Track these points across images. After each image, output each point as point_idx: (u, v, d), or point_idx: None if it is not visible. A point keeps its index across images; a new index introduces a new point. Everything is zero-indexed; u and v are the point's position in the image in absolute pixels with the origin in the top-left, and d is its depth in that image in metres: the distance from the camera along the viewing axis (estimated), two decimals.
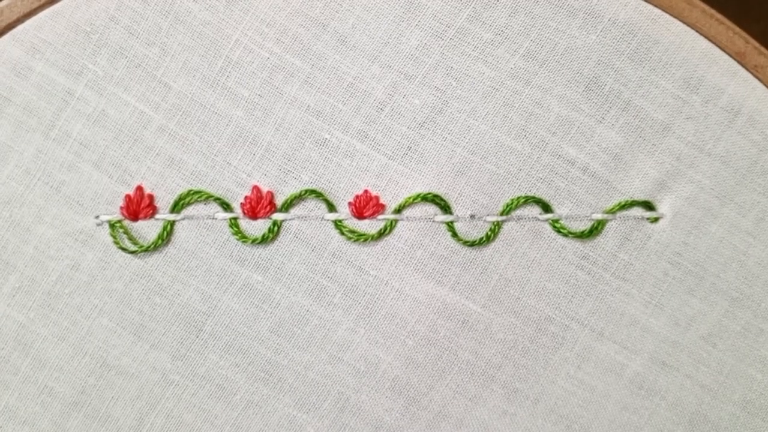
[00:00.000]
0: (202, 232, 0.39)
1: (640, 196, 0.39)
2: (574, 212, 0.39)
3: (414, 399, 0.41)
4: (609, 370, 0.41)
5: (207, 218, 0.39)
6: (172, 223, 0.39)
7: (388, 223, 0.39)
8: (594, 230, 0.39)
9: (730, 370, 0.41)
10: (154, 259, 0.39)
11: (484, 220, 0.39)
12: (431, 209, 0.39)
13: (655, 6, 0.38)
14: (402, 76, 0.38)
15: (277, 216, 0.39)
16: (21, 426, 0.40)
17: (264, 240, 0.39)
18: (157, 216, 0.39)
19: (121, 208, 0.39)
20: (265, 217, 0.39)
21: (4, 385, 0.40)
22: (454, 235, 0.39)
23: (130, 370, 0.40)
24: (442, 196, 0.39)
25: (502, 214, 0.39)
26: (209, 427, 0.41)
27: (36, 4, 0.37)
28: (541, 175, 0.39)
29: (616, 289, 0.40)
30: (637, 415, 0.41)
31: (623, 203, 0.39)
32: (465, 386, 0.41)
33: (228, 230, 0.39)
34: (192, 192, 0.39)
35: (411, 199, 0.39)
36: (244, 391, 0.41)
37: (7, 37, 0.38)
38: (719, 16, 0.38)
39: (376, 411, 0.41)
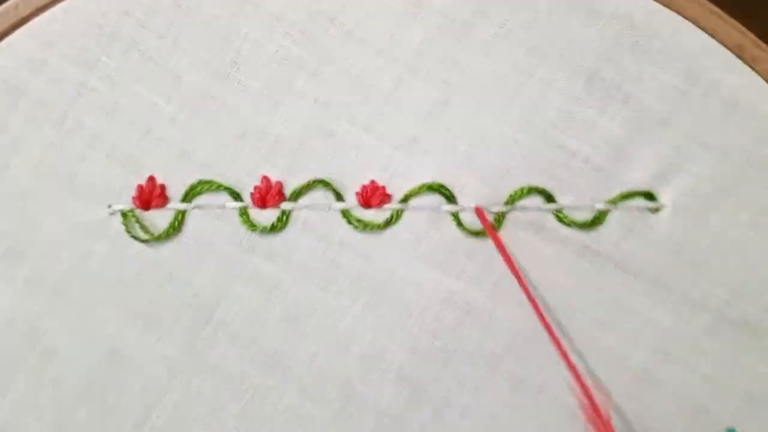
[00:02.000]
0: (212, 222, 0.40)
1: (641, 187, 0.40)
2: (577, 202, 0.40)
3: (419, 388, 0.41)
4: (611, 360, 0.41)
5: (217, 208, 0.40)
6: (183, 213, 0.40)
7: (395, 213, 0.40)
8: (596, 220, 0.40)
9: (733, 361, 0.41)
10: (166, 248, 0.40)
11: (489, 211, 0.40)
12: (437, 199, 0.40)
13: (655, 0, 0.39)
14: (407, 69, 0.39)
15: (286, 205, 0.40)
16: (29, 417, 0.41)
17: (273, 229, 0.40)
18: (169, 205, 0.40)
19: (134, 197, 0.39)
20: (274, 207, 0.40)
21: (13, 376, 0.40)
22: (459, 224, 0.40)
23: (139, 361, 0.41)
24: (447, 186, 0.40)
25: (505, 204, 0.40)
26: (216, 417, 0.41)
27: None
28: (543, 166, 0.40)
29: (618, 279, 0.40)
30: (640, 406, 0.41)
31: (625, 193, 0.40)
32: (469, 375, 0.41)
33: (238, 219, 0.40)
34: (203, 182, 0.39)
35: (417, 189, 0.40)
36: (251, 381, 0.41)
37: (21, 30, 0.38)
38: (717, 10, 0.39)
39: (381, 400, 0.41)
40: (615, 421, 0.41)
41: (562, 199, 0.40)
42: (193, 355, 0.41)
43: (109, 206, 0.40)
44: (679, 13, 0.39)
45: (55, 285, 0.40)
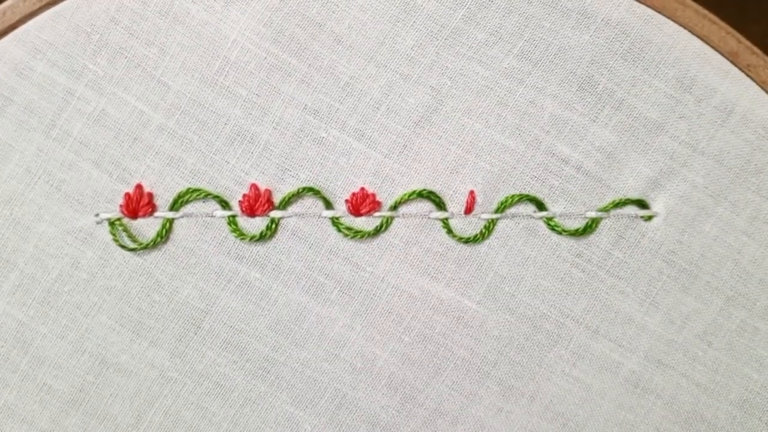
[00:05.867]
0: (200, 230, 0.40)
1: (633, 195, 0.40)
2: (569, 210, 0.40)
3: (410, 396, 0.41)
4: (604, 368, 0.41)
5: (206, 216, 0.40)
6: (171, 221, 0.40)
7: (384, 220, 0.40)
8: (588, 228, 0.40)
9: (726, 368, 0.41)
10: (153, 256, 0.40)
11: (479, 218, 0.40)
12: (426, 206, 0.40)
13: (648, 6, 0.38)
14: (398, 75, 0.39)
15: (275, 213, 0.40)
16: (20, 424, 0.41)
17: (262, 237, 0.40)
18: (157, 214, 0.39)
19: (121, 206, 0.39)
20: (263, 215, 0.40)
21: (3, 383, 0.40)
22: (449, 231, 0.40)
23: (129, 368, 0.41)
24: (437, 193, 0.40)
25: (496, 211, 0.40)
26: (207, 425, 0.41)
27: (38, 6, 0.38)
28: (535, 173, 0.39)
29: (610, 287, 0.40)
30: (633, 414, 0.41)
31: (617, 201, 0.40)
32: (460, 383, 0.41)
33: (226, 228, 0.40)
34: (191, 190, 0.39)
35: (406, 196, 0.39)
36: (242, 388, 0.41)
37: (9, 37, 0.38)
38: (712, 16, 0.38)
39: (372, 408, 0.41)
40: (607, 429, 0.41)
41: (554, 207, 0.40)
42: (184, 363, 0.41)
43: (97, 215, 0.39)
44: (672, 19, 0.38)
45: (44, 293, 0.40)
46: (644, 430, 0.41)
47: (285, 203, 0.39)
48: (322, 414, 0.41)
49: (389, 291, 0.40)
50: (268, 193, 0.39)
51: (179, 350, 0.40)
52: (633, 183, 0.40)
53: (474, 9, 0.38)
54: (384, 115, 0.39)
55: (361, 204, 0.39)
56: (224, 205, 0.39)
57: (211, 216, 0.40)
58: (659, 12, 0.38)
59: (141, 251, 0.40)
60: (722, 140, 0.39)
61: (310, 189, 0.39)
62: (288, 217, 0.40)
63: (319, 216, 0.40)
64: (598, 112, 0.39)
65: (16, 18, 0.38)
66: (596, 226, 0.40)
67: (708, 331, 0.41)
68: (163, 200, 0.39)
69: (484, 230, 0.40)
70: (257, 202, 0.39)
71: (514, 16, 0.38)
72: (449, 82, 0.39)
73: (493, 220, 0.40)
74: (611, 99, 0.39)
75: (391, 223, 0.40)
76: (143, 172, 0.39)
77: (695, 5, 0.38)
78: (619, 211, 0.40)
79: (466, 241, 0.40)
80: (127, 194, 0.39)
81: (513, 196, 0.39)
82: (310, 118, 0.39)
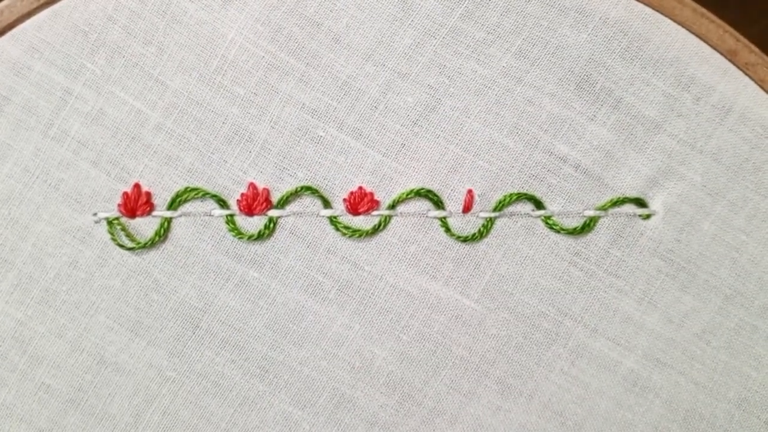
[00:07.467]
0: (198, 229, 0.40)
1: (631, 193, 0.40)
2: (567, 209, 0.40)
3: (408, 395, 0.41)
4: (603, 366, 0.41)
5: (204, 215, 0.40)
6: (169, 220, 0.40)
7: (383, 219, 0.40)
8: (586, 227, 0.40)
9: (725, 367, 0.41)
10: (152, 255, 0.40)
11: (477, 216, 0.40)
12: (425, 205, 0.40)
13: (646, 5, 0.38)
14: (396, 74, 0.39)
15: (273, 213, 0.40)
16: (18, 423, 0.41)
17: (260, 236, 0.40)
18: (155, 213, 0.39)
19: (119, 205, 0.39)
20: (261, 214, 0.40)
21: (2, 383, 0.40)
22: (448, 230, 0.40)
23: (127, 367, 0.41)
24: (435, 191, 0.40)
25: (494, 210, 0.40)
26: (205, 424, 0.41)
27: (35, 5, 0.38)
28: (533, 172, 0.39)
29: (608, 286, 0.40)
30: (632, 412, 0.41)
31: (615, 200, 0.40)
32: (459, 382, 0.41)
33: (224, 227, 0.40)
34: (189, 189, 0.39)
35: (405, 195, 0.39)
36: (240, 388, 0.41)
37: (6, 37, 0.38)
38: (710, 14, 0.38)
39: (371, 407, 0.41)
40: (606, 427, 0.41)
41: (552, 206, 0.40)
42: (182, 362, 0.41)
43: (95, 214, 0.39)
44: (671, 17, 0.38)
45: (42, 292, 0.40)
46: (643, 428, 0.41)
47: (283, 202, 0.39)
48: (321, 413, 0.41)
49: (387, 290, 0.40)
50: (266, 192, 0.39)
51: (177, 349, 0.40)
52: (631, 181, 0.40)
53: (472, 7, 0.38)
54: (382, 114, 0.39)
55: (359, 203, 0.39)
56: (222, 204, 0.39)
57: (209, 215, 0.40)
58: (657, 10, 0.38)
59: (139, 250, 0.40)
60: (720, 138, 0.39)
61: (308, 188, 0.39)
62: (286, 216, 0.40)
63: (317, 215, 0.40)
64: (596, 110, 0.39)
65: (14, 17, 0.38)
66: (594, 225, 0.40)
67: (706, 329, 0.41)
68: (161, 199, 0.39)
69: (482, 229, 0.40)
70: (255, 201, 0.39)
71: (512, 15, 0.38)
72: (447, 81, 0.39)
73: (491, 218, 0.40)
74: (609, 97, 0.39)
75: (389, 222, 0.40)
76: (141, 171, 0.39)
77: (693, 4, 0.38)
78: (617, 209, 0.40)
79: (465, 239, 0.40)
80: (125, 193, 0.39)
81: (511, 194, 0.39)
82: (308, 117, 0.39)
